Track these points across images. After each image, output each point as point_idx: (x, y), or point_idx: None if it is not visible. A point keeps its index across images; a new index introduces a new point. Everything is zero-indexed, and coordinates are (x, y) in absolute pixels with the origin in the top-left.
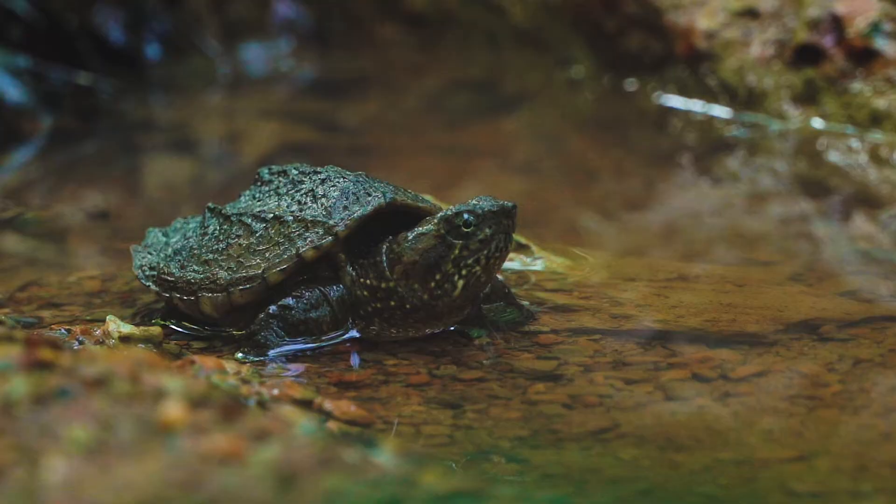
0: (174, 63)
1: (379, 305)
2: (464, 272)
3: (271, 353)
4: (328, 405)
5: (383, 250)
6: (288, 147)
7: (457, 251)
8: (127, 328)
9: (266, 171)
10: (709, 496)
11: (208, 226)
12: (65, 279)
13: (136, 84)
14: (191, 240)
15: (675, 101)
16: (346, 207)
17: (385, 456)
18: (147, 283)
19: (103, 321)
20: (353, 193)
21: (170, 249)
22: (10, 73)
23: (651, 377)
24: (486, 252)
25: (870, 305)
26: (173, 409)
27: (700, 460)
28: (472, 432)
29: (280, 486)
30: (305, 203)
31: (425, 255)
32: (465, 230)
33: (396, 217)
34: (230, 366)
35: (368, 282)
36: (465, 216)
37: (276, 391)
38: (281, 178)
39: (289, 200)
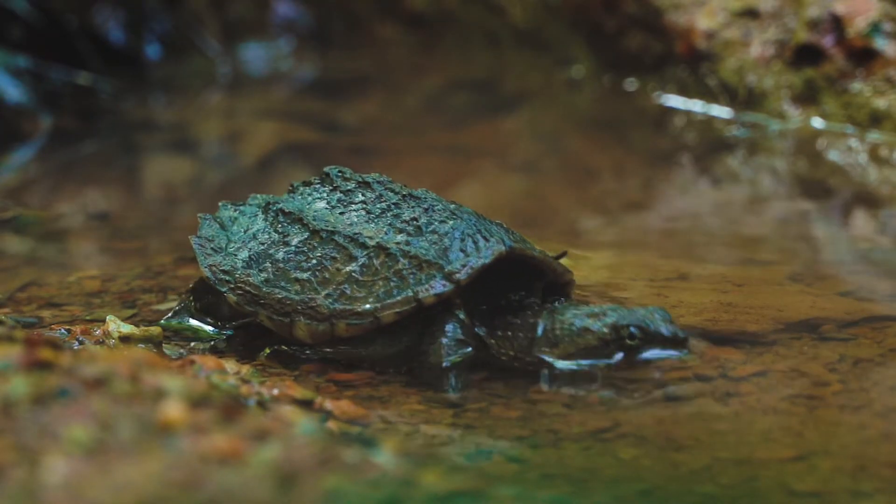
0: (174, 63)
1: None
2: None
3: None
4: (328, 405)
5: (538, 328)
6: (288, 147)
7: (613, 360)
8: (127, 328)
9: (337, 173)
10: (709, 496)
11: (287, 234)
12: (64, 279)
13: (136, 84)
14: (266, 246)
15: (675, 100)
16: (462, 250)
17: (385, 456)
18: (223, 290)
19: (103, 321)
20: (469, 235)
21: (242, 253)
22: (10, 73)
23: (651, 376)
24: None
25: (870, 305)
26: (173, 409)
27: (700, 460)
28: (472, 432)
29: (280, 486)
30: (410, 234)
31: (581, 351)
32: (629, 343)
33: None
34: (230, 366)
35: (507, 350)
36: (632, 330)
37: (276, 391)
38: (365, 192)
39: (387, 226)
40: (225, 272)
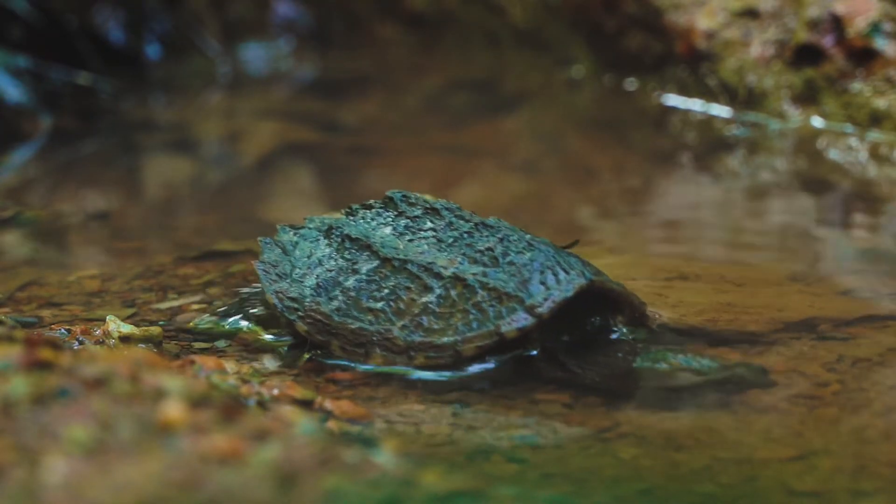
0: (174, 63)
1: None
2: None
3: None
4: (328, 405)
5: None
6: (288, 146)
7: None
8: (127, 328)
9: (401, 197)
10: (709, 496)
11: (355, 261)
12: (64, 279)
13: (136, 84)
14: (335, 273)
15: (674, 100)
16: (543, 283)
17: (385, 456)
18: (292, 318)
19: (103, 321)
20: (548, 267)
21: (308, 280)
22: (10, 73)
23: (651, 376)
24: None
25: (869, 304)
26: (173, 409)
27: (700, 460)
28: (472, 432)
29: (280, 486)
30: (486, 264)
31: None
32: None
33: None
34: (230, 366)
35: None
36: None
37: (276, 391)
38: (434, 219)
39: (460, 256)
40: (292, 299)
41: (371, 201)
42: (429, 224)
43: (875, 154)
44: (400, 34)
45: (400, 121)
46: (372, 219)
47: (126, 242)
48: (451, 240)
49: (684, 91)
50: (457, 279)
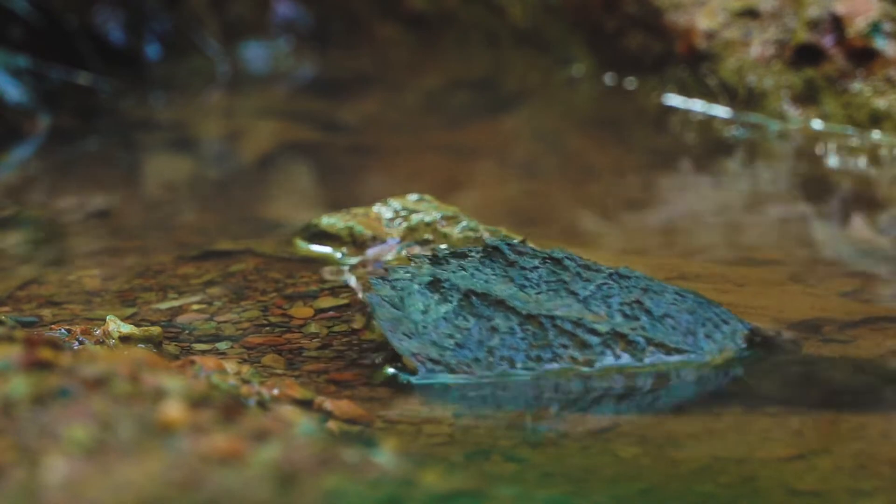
0: (174, 62)
1: None
2: None
3: None
4: (328, 405)
5: None
6: (288, 146)
7: None
8: (127, 328)
9: (507, 247)
10: (709, 495)
11: (490, 318)
12: (64, 277)
13: (136, 83)
14: (472, 331)
15: (674, 100)
16: (708, 336)
17: (385, 456)
18: (446, 382)
19: (103, 321)
20: (708, 319)
21: (443, 339)
22: (10, 73)
23: (651, 375)
24: None
25: (870, 306)
26: (173, 409)
27: (700, 460)
28: (472, 432)
29: (280, 486)
30: (640, 318)
31: None
32: None
33: None
34: (230, 366)
35: None
36: None
37: (276, 391)
38: (557, 269)
39: (605, 308)
40: (434, 361)
41: (464, 249)
42: (554, 276)
43: (875, 155)
44: (400, 34)
45: (400, 120)
46: (476, 269)
47: (126, 241)
48: (587, 293)
49: (684, 91)
50: (616, 335)
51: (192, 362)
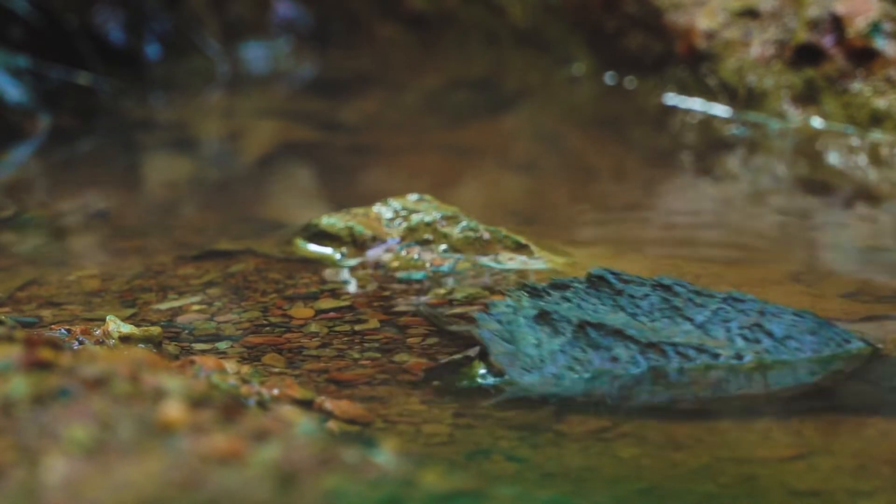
0: (174, 62)
1: None
2: None
3: None
4: (328, 405)
5: None
6: (288, 145)
7: None
8: (127, 328)
9: (611, 276)
10: (709, 495)
11: (609, 348)
12: (64, 278)
13: (136, 83)
14: (591, 362)
15: (674, 100)
16: (834, 355)
17: (385, 456)
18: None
19: (103, 321)
20: (831, 339)
21: (565, 372)
22: (10, 72)
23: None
24: None
25: (870, 305)
26: (173, 409)
27: (700, 459)
28: (472, 432)
29: (280, 486)
30: (761, 342)
31: None
32: None
33: None
34: (230, 366)
35: None
36: None
37: (276, 391)
38: (668, 295)
39: (725, 332)
40: (557, 396)
41: (565, 280)
42: (665, 302)
43: (875, 155)
44: (400, 34)
45: (400, 120)
46: (582, 300)
47: (126, 241)
48: (703, 318)
49: (684, 90)
50: (739, 359)
51: (192, 362)
